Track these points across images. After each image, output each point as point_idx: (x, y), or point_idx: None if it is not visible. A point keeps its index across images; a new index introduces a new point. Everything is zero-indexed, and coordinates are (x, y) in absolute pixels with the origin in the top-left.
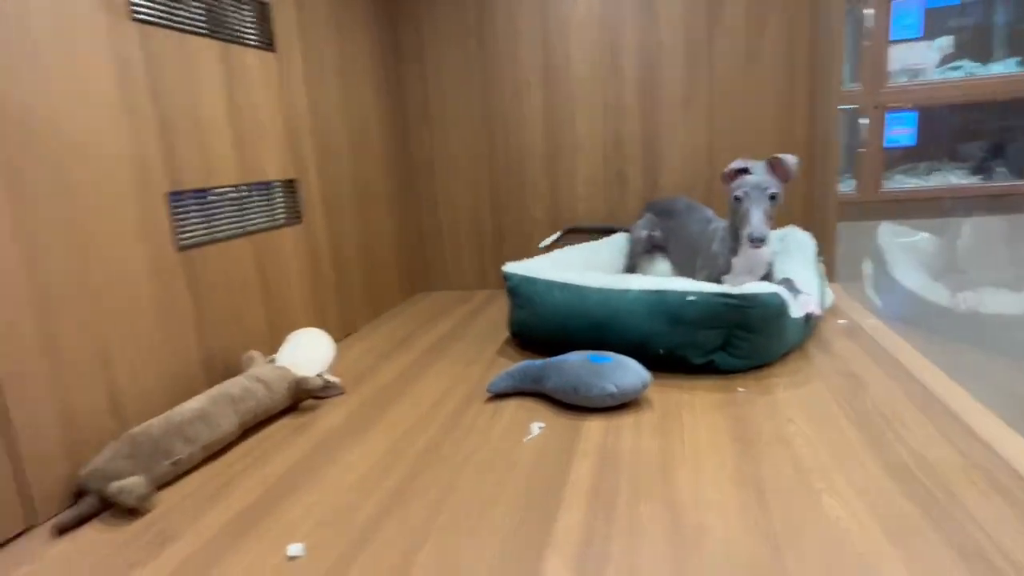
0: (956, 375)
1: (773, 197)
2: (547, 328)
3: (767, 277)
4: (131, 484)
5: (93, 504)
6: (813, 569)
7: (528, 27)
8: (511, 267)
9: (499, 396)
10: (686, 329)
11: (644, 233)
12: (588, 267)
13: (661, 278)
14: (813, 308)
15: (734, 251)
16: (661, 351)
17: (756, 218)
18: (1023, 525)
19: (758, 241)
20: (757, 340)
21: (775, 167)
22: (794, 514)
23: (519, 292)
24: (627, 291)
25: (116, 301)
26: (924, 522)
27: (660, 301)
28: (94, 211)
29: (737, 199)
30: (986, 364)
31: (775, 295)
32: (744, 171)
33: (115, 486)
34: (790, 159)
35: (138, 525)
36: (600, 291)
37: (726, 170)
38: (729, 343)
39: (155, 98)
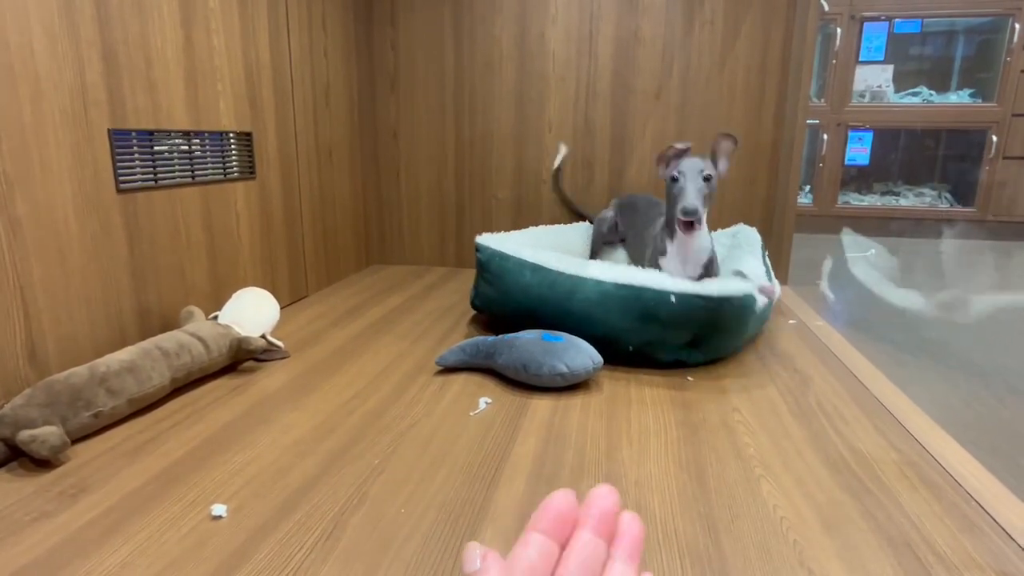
0: (895, 379)
1: (708, 179)
2: (512, 309)
3: (709, 272)
4: (44, 433)
5: (0, 452)
6: (748, 553)
7: (506, 1)
8: (484, 239)
9: (448, 370)
10: (657, 327)
11: (609, 214)
12: (559, 249)
13: (634, 270)
14: (774, 290)
15: (670, 236)
16: (631, 348)
17: (691, 191)
18: (949, 518)
19: (690, 212)
20: (723, 337)
21: (714, 150)
22: (733, 499)
23: (489, 267)
24: (600, 283)
25: (41, 236)
26: (857, 512)
27: (635, 297)
28: (18, 137)
29: (673, 179)
30: (923, 372)
31: (749, 296)
32: (683, 153)
33: (26, 434)
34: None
35: (50, 476)
36: (572, 279)
37: (662, 153)
38: (697, 340)
39: (101, 25)
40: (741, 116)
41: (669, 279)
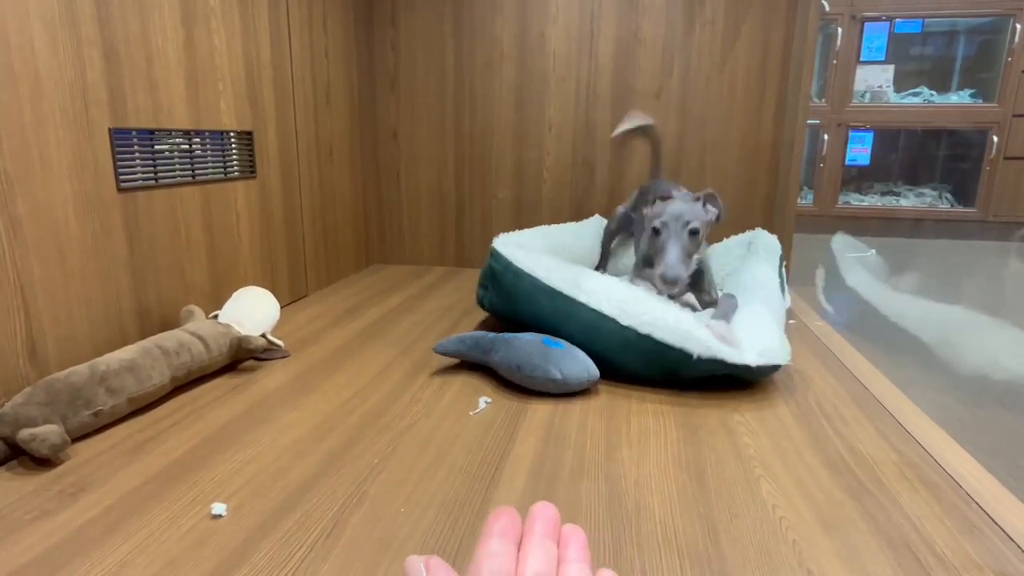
0: (895, 380)
1: (694, 232)
2: (522, 325)
3: (698, 285)
4: (44, 432)
5: (0, 451)
6: (748, 553)
7: (506, 0)
8: (501, 244)
9: (447, 370)
10: (680, 379)
11: (621, 209)
12: (576, 255)
13: (659, 311)
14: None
15: (645, 275)
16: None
17: (672, 256)
18: (949, 519)
19: (671, 283)
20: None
21: (706, 201)
22: (732, 499)
23: (501, 281)
24: (624, 328)
25: (41, 235)
26: (856, 513)
27: (657, 353)
28: (17, 136)
29: (655, 231)
30: (923, 373)
31: (776, 367)
32: (666, 197)
33: (26, 433)
34: (719, 204)
35: (50, 475)
36: (594, 315)
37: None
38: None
39: (102, 23)
40: (741, 116)
41: (695, 333)
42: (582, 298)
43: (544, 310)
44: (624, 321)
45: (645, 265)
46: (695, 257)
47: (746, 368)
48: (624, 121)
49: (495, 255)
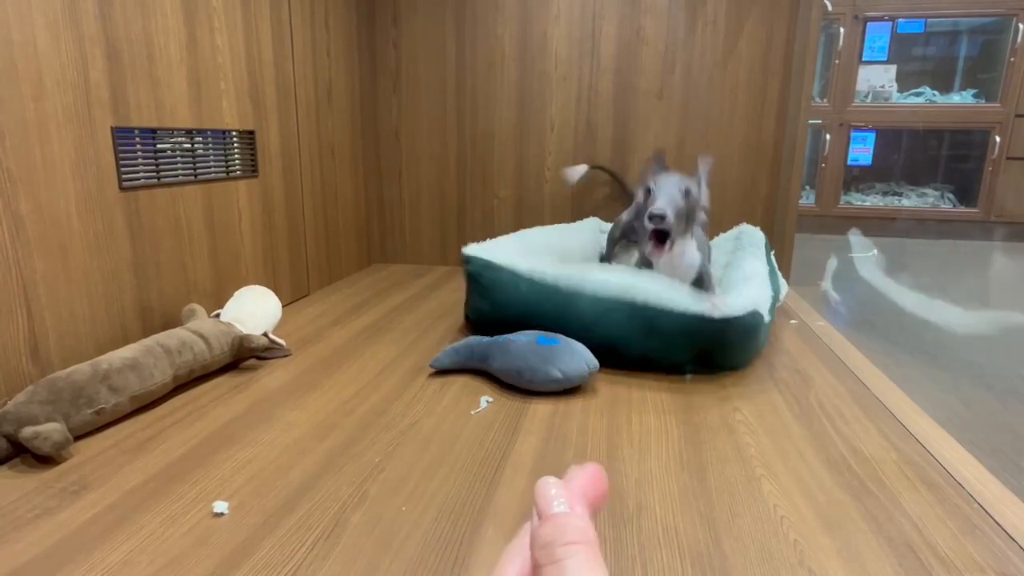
0: (896, 379)
1: (687, 193)
2: (509, 321)
3: (700, 286)
4: (47, 430)
5: (3, 448)
6: (749, 552)
7: (508, 0)
8: (473, 250)
9: (447, 371)
10: (658, 341)
11: (625, 216)
12: (555, 252)
13: (634, 278)
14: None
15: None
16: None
17: (661, 199)
18: (950, 519)
19: (657, 218)
20: (733, 353)
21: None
22: (733, 498)
23: (480, 280)
24: (599, 297)
25: (44, 234)
26: (857, 513)
27: (635, 314)
28: (20, 135)
29: (648, 190)
30: (924, 372)
31: (755, 314)
32: (661, 161)
33: (29, 431)
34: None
35: (52, 473)
36: (569, 291)
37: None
38: (704, 355)
39: (104, 22)
40: (743, 116)
41: (671, 292)
42: (558, 279)
43: (526, 295)
44: (600, 292)
45: (644, 267)
46: (693, 224)
47: (723, 321)
48: (568, 175)
49: (468, 260)
